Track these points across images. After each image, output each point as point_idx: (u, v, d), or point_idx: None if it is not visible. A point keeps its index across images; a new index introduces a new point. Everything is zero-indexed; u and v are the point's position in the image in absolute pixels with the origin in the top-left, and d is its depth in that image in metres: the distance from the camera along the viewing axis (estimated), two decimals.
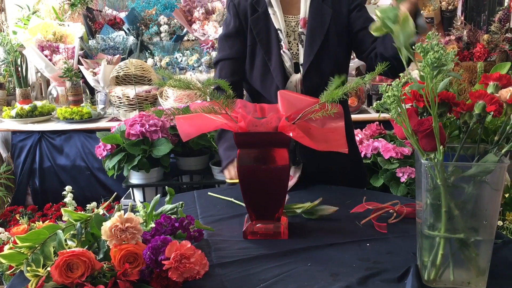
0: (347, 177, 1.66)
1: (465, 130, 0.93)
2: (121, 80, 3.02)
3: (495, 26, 3.20)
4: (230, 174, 1.56)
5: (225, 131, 1.59)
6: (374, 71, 1.25)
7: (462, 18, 3.48)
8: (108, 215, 1.13)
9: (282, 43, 1.60)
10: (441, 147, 0.88)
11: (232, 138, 1.42)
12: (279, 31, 1.61)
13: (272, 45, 1.62)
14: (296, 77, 1.59)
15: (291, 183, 1.55)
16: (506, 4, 3.50)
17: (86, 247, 1.02)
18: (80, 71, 3.23)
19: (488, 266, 0.92)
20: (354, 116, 2.84)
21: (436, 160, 0.89)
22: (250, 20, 1.63)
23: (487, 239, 0.91)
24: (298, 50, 1.63)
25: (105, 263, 0.95)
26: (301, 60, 1.61)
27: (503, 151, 0.90)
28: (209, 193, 1.52)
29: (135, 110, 2.93)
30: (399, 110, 0.89)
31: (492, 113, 0.89)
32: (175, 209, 1.20)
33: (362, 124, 2.68)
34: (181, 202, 1.21)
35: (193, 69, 3.40)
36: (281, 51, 1.60)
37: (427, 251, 0.94)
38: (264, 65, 1.62)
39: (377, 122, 2.65)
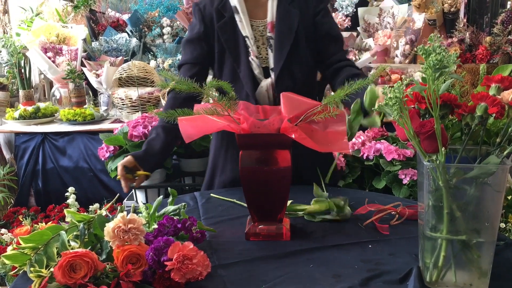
0: (317, 173, 1.60)
1: (467, 132, 0.93)
2: (124, 82, 3.03)
3: (497, 28, 3.20)
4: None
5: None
6: (327, 80, 1.36)
7: (465, 20, 3.48)
8: (110, 216, 1.13)
9: (250, 50, 1.58)
10: (443, 148, 0.88)
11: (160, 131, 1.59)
12: (246, 38, 1.58)
13: (240, 52, 1.59)
14: (267, 82, 1.58)
15: None
16: (508, 6, 3.51)
17: (89, 248, 1.02)
18: (83, 73, 3.24)
19: (490, 267, 0.92)
20: None
21: (438, 161, 0.89)
22: (217, 27, 1.60)
23: (489, 241, 0.91)
24: (267, 54, 1.61)
25: (107, 264, 0.96)
26: (271, 65, 1.59)
27: (505, 152, 0.90)
28: (211, 194, 1.52)
29: (137, 111, 2.93)
30: (401, 112, 0.89)
31: (494, 115, 0.89)
32: (177, 211, 1.20)
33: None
34: (183, 204, 1.21)
35: None
36: (249, 58, 1.58)
37: (429, 252, 0.94)
38: (233, 72, 1.60)
39: None
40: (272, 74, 1.59)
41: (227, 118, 1.18)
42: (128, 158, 1.57)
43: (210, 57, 1.64)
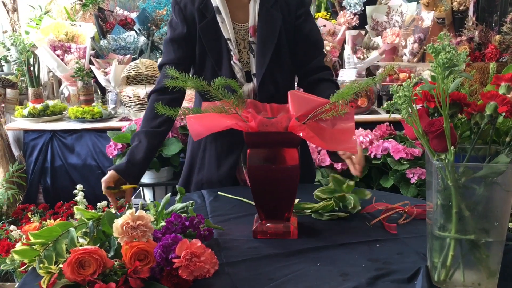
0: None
1: (476, 131, 0.92)
2: (132, 80, 3.04)
3: (507, 26, 3.18)
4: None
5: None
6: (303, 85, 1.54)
7: (474, 18, 3.45)
8: (119, 214, 1.14)
9: (232, 53, 1.54)
10: (452, 147, 0.87)
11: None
12: (228, 41, 1.54)
13: (222, 55, 1.55)
14: (249, 87, 1.55)
15: None
16: None
17: (98, 245, 1.03)
18: (92, 71, 3.25)
19: (499, 267, 0.91)
20: (364, 117, 2.84)
21: (447, 161, 0.89)
22: (199, 28, 1.54)
23: (498, 241, 0.91)
24: (249, 59, 1.57)
25: (116, 261, 0.96)
26: (253, 70, 1.56)
27: None
28: (219, 192, 1.53)
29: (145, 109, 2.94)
30: (410, 111, 0.89)
31: (503, 114, 0.88)
32: (185, 208, 1.20)
33: (372, 125, 2.67)
34: (191, 201, 1.22)
35: None
36: (231, 62, 1.54)
37: (437, 252, 0.94)
38: (214, 74, 1.52)
39: (387, 123, 2.64)
40: (255, 80, 1.55)
41: (235, 116, 1.18)
42: (111, 173, 1.47)
43: (193, 58, 1.59)
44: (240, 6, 1.56)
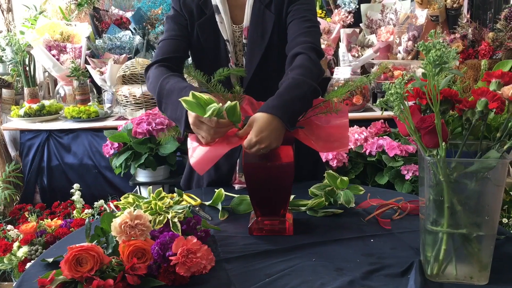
0: (303, 172, 1.56)
1: (468, 127, 0.94)
2: (128, 79, 3.04)
3: (500, 23, 3.20)
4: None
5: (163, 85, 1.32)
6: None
7: (468, 16, 3.47)
8: (116, 210, 1.15)
9: (230, 56, 1.48)
10: (443, 143, 0.89)
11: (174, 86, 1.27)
12: (227, 43, 1.48)
13: (220, 56, 1.49)
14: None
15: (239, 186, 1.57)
16: None
17: (95, 242, 1.04)
18: (87, 71, 3.25)
19: (490, 261, 0.93)
20: (359, 114, 2.86)
21: (438, 156, 0.90)
22: (197, 25, 1.48)
23: (489, 234, 0.92)
24: (243, 62, 1.51)
25: (113, 258, 0.97)
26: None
27: (505, 147, 0.91)
28: (215, 190, 1.54)
29: (141, 109, 2.95)
30: (402, 108, 0.91)
31: (494, 110, 0.90)
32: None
33: (367, 122, 2.69)
34: (189, 205, 1.21)
35: None
36: (229, 65, 1.48)
37: (430, 246, 0.95)
38: (210, 74, 1.36)
39: (382, 120, 2.66)
40: (243, 85, 1.47)
41: (230, 134, 1.17)
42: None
43: (188, 50, 1.52)
44: (238, 6, 1.50)
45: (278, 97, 1.19)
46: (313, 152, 1.58)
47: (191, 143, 1.22)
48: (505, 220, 2.29)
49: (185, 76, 1.42)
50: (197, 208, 1.37)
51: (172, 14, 1.52)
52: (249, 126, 1.14)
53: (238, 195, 1.42)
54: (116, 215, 1.06)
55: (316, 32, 1.43)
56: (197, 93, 1.08)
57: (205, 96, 1.09)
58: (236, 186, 1.56)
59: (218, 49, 1.49)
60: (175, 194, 1.32)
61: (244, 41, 1.49)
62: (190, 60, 1.60)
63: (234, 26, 1.50)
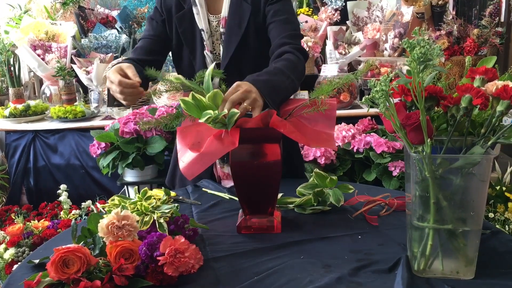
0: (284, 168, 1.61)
1: (453, 123, 0.95)
2: None
3: (485, 20, 3.23)
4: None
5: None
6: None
7: (454, 12, 3.50)
8: (104, 212, 1.14)
9: (205, 43, 1.56)
10: (428, 140, 0.90)
11: None
12: (202, 32, 1.57)
13: (196, 45, 1.58)
14: (217, 79, 1.50)
15: (227, 182, 1.58)
16: None
17: (82, 243, 1.03)
18: (73, 70, 3.23)
19: (476, 255, 0.94)
20: (346, 112, 2.87)
21: (424, 153, 0.91)
22: (175, 18, 1.58)
23: (475, 229, 0.93)
24: (220, 50, 1.58)
25: (101, 259, 0.97)
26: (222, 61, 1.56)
27: (489, 143, 0.92)
28: (203, 188, 1.54)
29: (128, 108, 2.93)
30: (388, 105, 0.91)
31: (478, 106, 0.91)
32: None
33: (354, 119, 2.70)
34: (176, 205, 1.20)
35: None
36: (204, 52, 1.57)
37: (416, 242, 0.96)
38: (189, 65, 1.60)
39: (369, 117, 2.67)
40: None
41: (218, 133, 1.15)
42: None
43: (169, 46, 1.62)
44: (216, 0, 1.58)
45: (257, 75, 1.27)
46: (292, 147, 1.66)
47: (180, 146, 1.21)
48: (491, 215, 2.31)
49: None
50: (180, 197, 1.40)
51: (152, 13, 1.64)
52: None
53: None
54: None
55: (300, 35, 1.55)
56: (197, 95, 1.09)
57: (205, 99, 1.11)
58: (228, 185, 1.56)
59: (194, 38, 1.58)
60: (161, 190, 1.31)
61: (222, 30, 1.57)
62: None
63: (212, 16, 1.59)
